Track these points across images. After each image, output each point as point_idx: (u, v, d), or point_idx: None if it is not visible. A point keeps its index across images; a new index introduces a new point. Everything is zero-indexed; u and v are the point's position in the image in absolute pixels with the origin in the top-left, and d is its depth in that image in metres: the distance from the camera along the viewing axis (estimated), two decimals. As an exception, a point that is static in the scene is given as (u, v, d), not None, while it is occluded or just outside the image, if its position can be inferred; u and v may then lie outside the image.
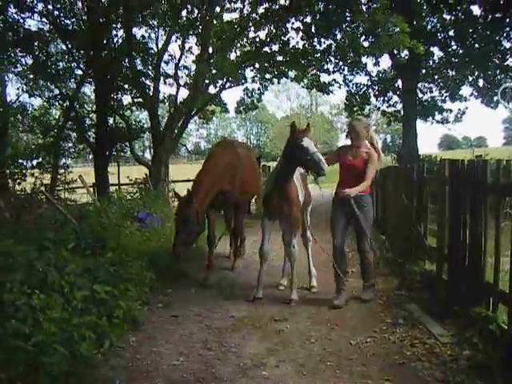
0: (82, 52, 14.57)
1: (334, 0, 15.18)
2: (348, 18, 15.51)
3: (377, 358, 3.92)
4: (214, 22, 15.04)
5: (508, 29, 18.65)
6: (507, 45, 18.92)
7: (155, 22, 14.92)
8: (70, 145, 15.76)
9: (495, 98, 19.25)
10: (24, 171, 12.76)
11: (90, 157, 21.75)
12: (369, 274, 5.42)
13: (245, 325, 4.78)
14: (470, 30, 18.96)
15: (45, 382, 3.28)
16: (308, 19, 16.27)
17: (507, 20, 18.48)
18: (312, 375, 3.67)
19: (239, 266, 7.24)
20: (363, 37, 15.40)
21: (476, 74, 20.26)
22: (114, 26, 14.67)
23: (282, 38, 15.62)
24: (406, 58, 18.94)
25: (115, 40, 14.95)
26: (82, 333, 3.88)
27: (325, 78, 21.57)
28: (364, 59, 19.50)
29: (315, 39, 16.83)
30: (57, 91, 15.46)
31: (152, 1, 13.13)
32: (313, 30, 15.92)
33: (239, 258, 7.38)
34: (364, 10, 14.71)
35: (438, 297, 5.01)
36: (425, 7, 19.09)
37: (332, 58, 18.18)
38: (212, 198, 6.36)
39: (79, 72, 15.58)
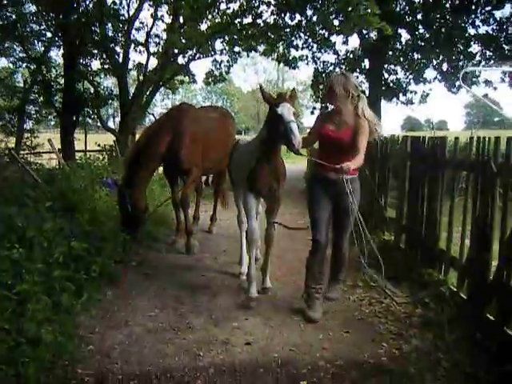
0: (52, 15, 14.31)
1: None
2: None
3: (338, 314, 4.31)
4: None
5: (473, 16, 19.17)
6: (472, 31, 19.47)
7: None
8: (37, 109, 15.51)
9: (457, 83, 19.84)
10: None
11: (53, 123, 21.52)
12: (341, 272, 4.51)
13: (215, 283, 5.07)
14: (438, 15, 19.41)
15: (29, 326, 3.48)
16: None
17: (473, 7, 19.03)
18: (279, 327, 4.01)
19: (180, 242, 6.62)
20: (334, 15, 15.57)
21: (440, 58, 20.77)
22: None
23: (255, 10, 15.61)
24: (375, 38, 19.28)
25: (86, 4, 14.71)
26: (62, 284, 4.09)
27: (294, 53, 21.70)
28: (333, 38, 19.73)
29: (287, 14, 16.92)
30: (23, 54, 15.20)
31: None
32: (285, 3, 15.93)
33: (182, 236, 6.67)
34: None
35: (395, 263, 5.42)
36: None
37: (302, 35, 18.35)
38: (156, 165, 6.60)
39: (48, 35, 15.34)
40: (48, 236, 4.69)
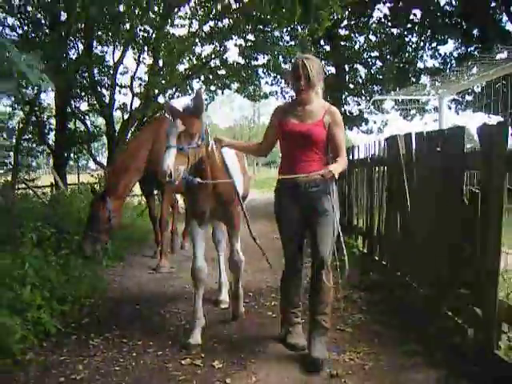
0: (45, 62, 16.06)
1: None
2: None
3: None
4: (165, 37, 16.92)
5: (422, 51, 21.55)
6: (421, 65, 21.81)
7: (113, 39, 16.59)
8: (32, 146, 17.10)
9: (411, 112, 21.99)
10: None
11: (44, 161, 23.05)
12: (324, 303, 3.43)
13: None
14: (391, 50, 21.71)
15: (73, 272, 5.17)
16: (250, 37, 18.38)
17: (421, 44, 21.44)
18: (255, 295, 5.15)
19: (165, 265, 6.58)
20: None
21: (396, 89, 22.99)
22: (74, 40, 16.27)
23: (223, 55, 17.64)
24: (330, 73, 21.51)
25: (74, 53, 16.52)
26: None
27: (266, 88, 23.61)
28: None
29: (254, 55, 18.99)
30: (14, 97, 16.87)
31: (113, 21, 14.86)
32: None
33: (165, 257, 6.73)
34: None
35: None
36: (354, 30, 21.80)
37: (270, 72, 20.41)
38: (136, 181, 6.57)
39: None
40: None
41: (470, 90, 18.97)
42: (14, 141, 16.76)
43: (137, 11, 14.61)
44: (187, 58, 18.81)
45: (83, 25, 15.15)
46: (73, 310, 4.60)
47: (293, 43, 17.51)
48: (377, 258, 5.62)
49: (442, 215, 3.69)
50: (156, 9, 15.53)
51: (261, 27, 18.38)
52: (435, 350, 3.36)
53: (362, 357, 3.46)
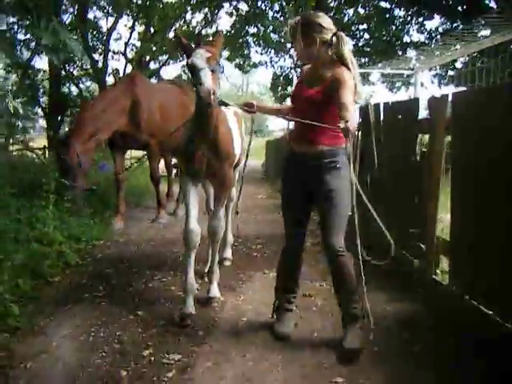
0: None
1: None
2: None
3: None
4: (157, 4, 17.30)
5: (408, 26, 22.10)
6: (408, 39, 22.40)
7: (108, 6, 16.93)
8: (29, 108, 17.53)
9: (396, 85, 22.66)
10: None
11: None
12: (348, 292, 3.09)
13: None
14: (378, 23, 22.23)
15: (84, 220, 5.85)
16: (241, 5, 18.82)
17: (408, 18, 21.98)
18: (243, 241, 5.99)
19: (163, 216, 7.08)
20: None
21: (383, 62, 23.60)
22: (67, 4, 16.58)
23: (213, 23, 18.11)
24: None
25: (68, 17, 16.84)
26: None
27: (256, 58, 24.00)
28: (289, 44, 22.34)
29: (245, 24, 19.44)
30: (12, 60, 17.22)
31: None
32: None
33: (163, 209, 7.13)
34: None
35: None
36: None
37: (261, 42, 20.89)
38: (109, 134, 6.38)
39: (33, 44, 17.39)
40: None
41: (451, 66, 19.63)
42: (9, 103, 17.23)
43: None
44: (178, 25, 19.26)
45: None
46: (86, 248, 5.36)
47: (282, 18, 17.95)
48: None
49: (401, 171, 4.43)
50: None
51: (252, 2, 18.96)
52: (389, 277, 4.14)
53: (329, 284, 4.19)
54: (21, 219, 4.83)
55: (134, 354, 3.01)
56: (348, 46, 2.96)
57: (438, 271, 3.76)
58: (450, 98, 3.51)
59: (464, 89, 9.31)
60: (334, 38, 2.90)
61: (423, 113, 4.29)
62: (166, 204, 7.49)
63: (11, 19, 16.87)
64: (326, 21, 2.96)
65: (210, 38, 17.88)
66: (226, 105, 3.22)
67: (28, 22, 16.11)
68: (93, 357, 2.96)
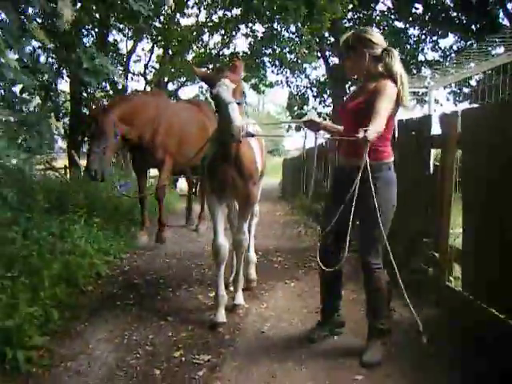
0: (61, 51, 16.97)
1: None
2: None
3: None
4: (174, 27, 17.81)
5: (423, 44, 22.37)
6: (422, 58, 22.64)
7: (128, 32, 17.45)
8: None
9: (411, 103, 22.87)
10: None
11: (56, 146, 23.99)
12: (378, 310, 3.18)
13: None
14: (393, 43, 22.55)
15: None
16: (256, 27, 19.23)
17: (423, 37, 22.27)
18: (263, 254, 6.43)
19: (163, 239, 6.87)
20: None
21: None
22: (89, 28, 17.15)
23: (229, 44, 18.55)
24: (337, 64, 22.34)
25: (89, 41, 17.39)
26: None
27: (272, 77, 24.47)
28: (305, 64, 22.71)
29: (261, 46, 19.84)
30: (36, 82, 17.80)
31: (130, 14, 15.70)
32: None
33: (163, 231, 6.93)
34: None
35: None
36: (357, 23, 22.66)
37: (276, 62, 21.28)
38: (132, 135, 6.25)
39: (55, 67, 17.98)
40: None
41: (466, 83, 19.80)
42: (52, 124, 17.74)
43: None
44: (195, 47, 19.75)
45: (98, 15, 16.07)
46: (114, 260, 5.63)
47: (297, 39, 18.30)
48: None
49: (416, 183, 4.62)
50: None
51: (268, 24, 19.38)
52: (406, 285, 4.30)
53: (348, 289, 4.37)
54: (54, 233, 5.10)
55: (165, 355, 3.25)
56: (398, 61, 3.02)
57: (451, 278, 3.93)
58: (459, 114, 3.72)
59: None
60: (384, 53, 3.01)
61: (437, 129, 4.49)
62: (191, 221, 8.19)
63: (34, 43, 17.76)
64: (376, 36, 3.08)
65: (227, 59, 18.41)
66: (253, 136, 3.34)
67: (52, 46, 16.95)
68: (127, 357, 3.21)
